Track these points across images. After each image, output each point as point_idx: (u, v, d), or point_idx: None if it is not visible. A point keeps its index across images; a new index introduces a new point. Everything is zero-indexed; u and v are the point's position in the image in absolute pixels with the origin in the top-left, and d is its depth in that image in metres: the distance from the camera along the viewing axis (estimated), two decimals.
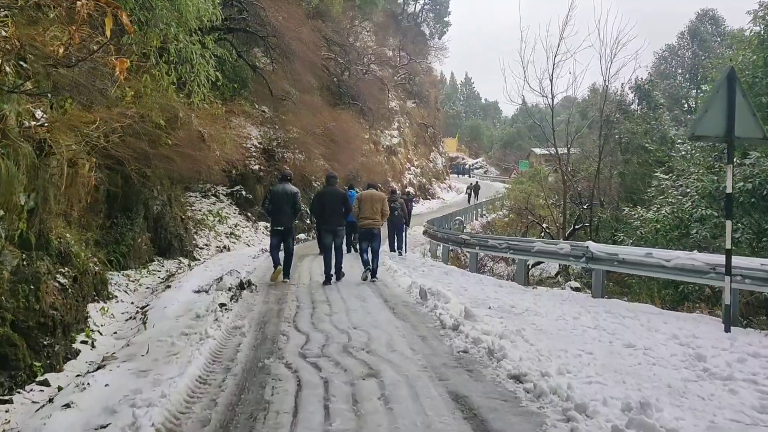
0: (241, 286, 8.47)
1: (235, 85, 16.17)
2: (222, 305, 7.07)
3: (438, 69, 64.03)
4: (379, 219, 9.72)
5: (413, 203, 27.50)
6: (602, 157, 15.76)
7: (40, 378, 4.94)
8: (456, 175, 60.90)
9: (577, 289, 8.94)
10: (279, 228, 9.35)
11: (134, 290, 9.51)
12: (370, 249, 9.71)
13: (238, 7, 16.69)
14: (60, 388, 4.66)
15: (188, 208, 16.57)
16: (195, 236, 14.93)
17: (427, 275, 10.76)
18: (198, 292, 8.39)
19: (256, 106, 21.46)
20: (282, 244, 9.49)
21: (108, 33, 4.03)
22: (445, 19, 61.11)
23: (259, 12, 16.39)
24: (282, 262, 9.48)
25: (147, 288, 9.90)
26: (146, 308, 7.60)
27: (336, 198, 9.43)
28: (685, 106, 35.96)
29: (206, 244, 15.14)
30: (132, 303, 8.54)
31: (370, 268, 9.60)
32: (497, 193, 36.98)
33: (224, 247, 15.60)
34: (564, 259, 8.75)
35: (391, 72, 42.37)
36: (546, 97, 15.49)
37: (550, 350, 5.10)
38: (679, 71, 38.10)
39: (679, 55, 37.83)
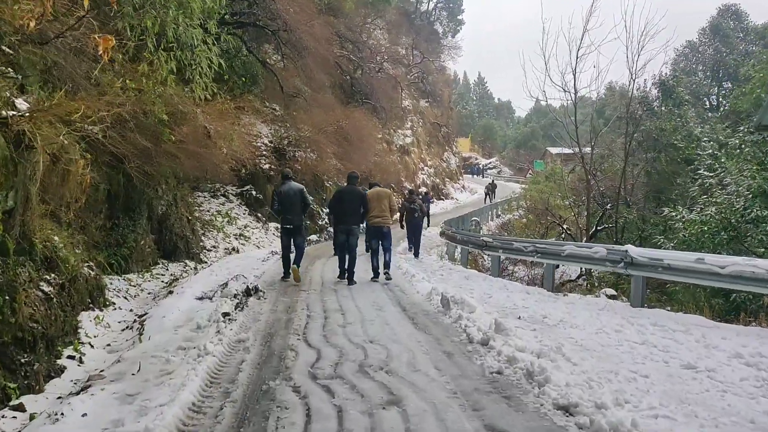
0: (248, 292, 7.86)
1: (244, 80, 15.58)
2: (225, 315, 6.45)
3: (451, 68, 63.25)
4: (388, 216, 9.57)
5: (430, 202, 26.87)
6: (627, 156, 14.95)
7: (14, 402, 4.33)
8: (471, 176, 59.88)
9: (613, 297, 8.19)
10: (289, 226, 9.35)
11: (135, 296, 8.93)
12: (381, 247, 9.58)
13: (248, 1, 16.11)
14: (33, 417, 4.04)
15: (196, 208, 16.03)
16: (202, 238, 14.37)
17: (447, 280, 10.09)
18: (201, 299, 7.79)
19: (267, 104, 20.91)
20: (292, 242, 9.47)
21: (86, 3, 3.41)
22: (459, 17, 60.25)
23: (270, 5, 15.79)
24: (292, 262, 9.42)
25: (149, 293, 9.33)
26: (144, 317, 7.00)
27: (355, 197, 9.33)
28: (707, 103, 34.97)
29: (214, 246, 14.57)
30: (131, 310, 7.95)
31: (377, 276, 9.46)
32: (513, 193, 36.17)
33: (233, 249, 15.02)
34: (599, 263, 7.99)
35: (404, 71, 41.64)
36: (568, 92, 14.72)
37: (599, 372, 4.40)
38: (700, 68, 37.05)
39: (700, 51, 36.79)
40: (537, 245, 9.09)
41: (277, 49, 19.73)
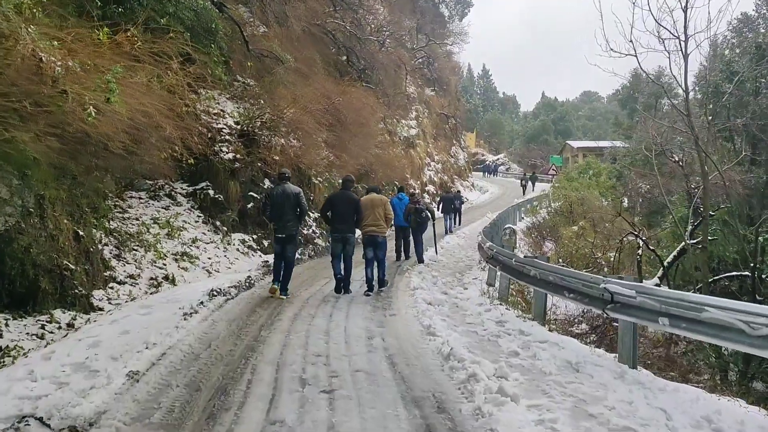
0: None
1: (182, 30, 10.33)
2: None
3: (458, 54, 58.21)
4: (383, 224, 9.28)
5: (461, 201, 24.15)
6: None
7: None
8: (484, 174, 54.61)
9: None
10: (281, 235, 8.78)
11: None
12: (375, 258, 9.27)
13: None
14: None
15: (119, 215, 10.87)
16: (113, 263, 9.19)
17: (534, 373, 4.85)
18: None
19: (240, 78, 15.73)
20: (282, 252, 8.82)
21: None
22: None
23: None
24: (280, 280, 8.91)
25: None
26: None
27: (348, 203, 8.93)
28: None
29: (132, 276, 9.33)
30: None
31: (371, 289, 9.12)
32: (542, 191, 31.24)
33: (165, 277, 9.81)
34: None
35: (408, 55, 36.52)
36: (676, 38, 9.58)
37: None
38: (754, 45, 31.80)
39: (756, 25, 31.61)
40: None
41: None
